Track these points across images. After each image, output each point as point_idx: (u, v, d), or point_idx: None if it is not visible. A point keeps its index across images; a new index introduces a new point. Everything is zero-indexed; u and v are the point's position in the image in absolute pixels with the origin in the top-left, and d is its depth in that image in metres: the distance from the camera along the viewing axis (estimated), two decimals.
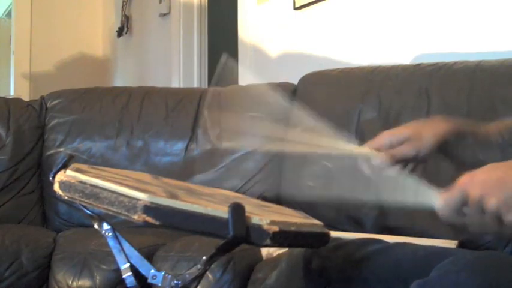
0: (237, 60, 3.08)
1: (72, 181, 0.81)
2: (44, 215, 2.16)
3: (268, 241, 0.72)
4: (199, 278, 0.86)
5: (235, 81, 3.02)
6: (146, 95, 2.24)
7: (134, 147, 2.14)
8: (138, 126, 2.16)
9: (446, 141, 0.92)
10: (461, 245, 1.42)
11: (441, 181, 0.78)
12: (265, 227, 0.72)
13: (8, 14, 5.92)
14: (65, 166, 0.85)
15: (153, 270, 0.86)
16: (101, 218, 0.90)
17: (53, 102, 2.25)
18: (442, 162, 0.94)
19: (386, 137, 0.91)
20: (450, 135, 0.93)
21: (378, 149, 0.90)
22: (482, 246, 1.46)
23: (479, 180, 0.73)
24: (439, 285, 0.66)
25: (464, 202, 0.73)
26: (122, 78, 4.74)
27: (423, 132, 0.92)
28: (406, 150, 0.90)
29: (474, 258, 0.69)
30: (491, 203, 0.71)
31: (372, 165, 0.89)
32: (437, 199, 0.76)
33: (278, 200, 1.91)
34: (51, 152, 2.17)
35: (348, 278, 0.91)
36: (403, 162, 0.91)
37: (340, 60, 2.33)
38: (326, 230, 0.80)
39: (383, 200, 0.84)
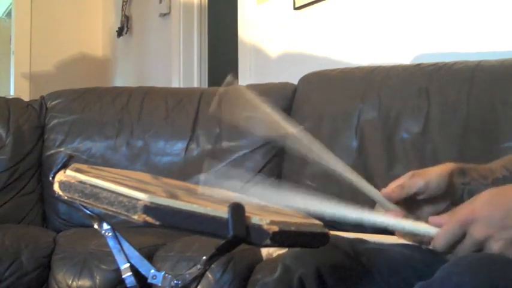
0: (237, 61, 3.09)
1: (72, 181, 0.81)
2: (44, 215, 2.16)
3: (268, 241, 0.72)
4: (199, 278, 0.86)
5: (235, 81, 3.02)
6: (146, 95, 2.24)
7: (134, 147, 2.14)
8: (138, 126, 2.16)
9: (452, 175, 0.90)
10: None
11: None
12: (265, 227, 0.72)
13: (8, 14, 5.92)
14: (64, 166, 0.85)
15: (153, 270, 0.85)
16: (101, 218, 0.90)
17: (53, 102, 2.26)
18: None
19: (399, 187, 0.89)
20: (456, 171, 0.92)
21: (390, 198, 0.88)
22: None
23: (483, 218, 0.71)
24: (442, 287, 0.66)
25: (462, 238, 0.72)
26: (122, 78, 4.74)
27: (429, 169, 0.90)
28: (416, 182, 0.88)
29: (477, 259, 0.69)
30: (495, 246, 0.70)
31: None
32: (433, 231, 0.75)
33: None
34: (51, 152, 2.17)
35: (351, 269, 0.91)
36: (414, 197, 0.90)
37: (340, 60, 2.33)
38: (326, 230, 0.80)
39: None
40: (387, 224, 0.80)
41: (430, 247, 0.78)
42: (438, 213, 0.89)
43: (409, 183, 0.88)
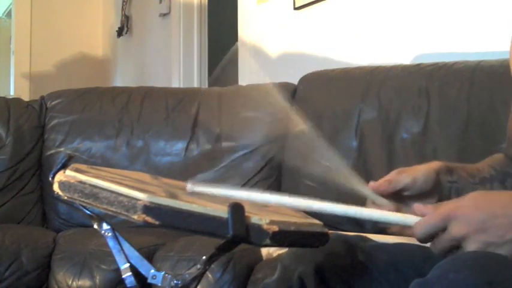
0: (237, 60, 3.09)
1: (72, 181, 0.81)
2: (44, 215, 2.16)
3: (267, 241, 0.72)
4: (199, 278, 0.86)
5: (235, 81, 3.02)
6: (146, 95, 2.24)
7: (134, 147, 2.14)
8: (138, 126, 2.16)
9: (439, 173, 0.92)
10: None
11: None
12: (265, 226, 0.72)
13: (8, 14, 5.92)
14: (64, 166, 0.85)
15: (153, 270, 0.86)
16: (101, 218, 0.90)
17: (53, 102, 2.25)
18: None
19: (386, 181, 0.90)
20: (443, 169, 0.93)
21: (380, 192, 0.89)
22: None
23: (464, 217, 0.72)
24: (439, 285, 0.66)
25: (441, 231, 0.74)
26: (122, 78, 4.74)
27: (416, 167, 0.92)
28: (403, 177, 0.90)
29: (474, 257, 0.69)
30: (471, 247, 0.72)
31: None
32: (415, 218, 0.76)
33: None
34: (51, 152, 2.17)
35: (350, 267, 0.92)
36: (401, 194, 0.91)
37: (340, 60, 2.33)
38: (326, 230, 0.80)
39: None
40: (373, 217, 0.81)
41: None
42: None
43: (397, 178, 0.90)
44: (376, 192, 0.88)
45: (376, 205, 0.88)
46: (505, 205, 0.73)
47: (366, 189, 0.88)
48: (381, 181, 0.89)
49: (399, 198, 0.91)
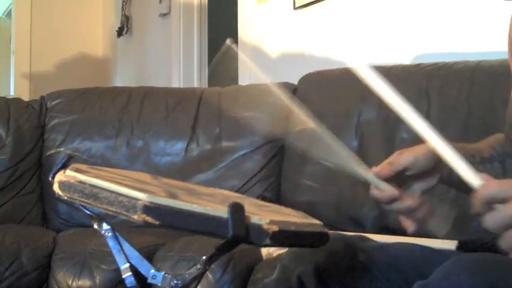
0: (237, 59, 3.09)
1: (72, 181, 0.81)
2: (44, 215, 2.16)
3: (267, 241, 0.72)
4: (199, 278, 0.86)
5: (235, 81, 3.02)
6: (146, 95, 2.24)
7: (134, 147, 2.14)
8: (138, 126, 2.16)
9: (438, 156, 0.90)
10: (461, 245, 1.42)
11: None
12: (265, 226, 0.72)
13: (8, 14, 5.92)
14: (64, 166, 0.85)
15: (152, 270, 0.86)
16: (101, 218, 0.90)
17: (53, 102, 2.25)
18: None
19: (388, 164, 0.89)
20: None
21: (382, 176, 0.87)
22: (482, 246, 1.46)
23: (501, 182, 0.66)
24: (441, 287, 0.66)
25: (497, 200, 0.66)
26: (122, 78, 4.74)
27: (417, 146, 0.90)
28: (404, 157, 0.89)
29: (476, 260, 0.69)
30: None
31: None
32: (478, 182, 0.69)
33: (278, 200, 1.91)
34: (51, 152, 2.17)
35: (350, 266, 0.92)
36: (403, 174, 0.90)
37: (340, 60, 2.33)
38: (326, 230, 0.80)
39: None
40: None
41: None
42: (430, 189, 0.91)
43: (398, 159, 0.89)
44: (379, 177, 0.87)
45: (378, 190, 0.87)
46: None
47: (368, 174, 0.87)
48: (383, 164, 0.89)
49: (401, 180, 0.90)
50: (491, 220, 0.65)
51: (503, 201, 0.65)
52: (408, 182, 0.91)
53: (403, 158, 0.89)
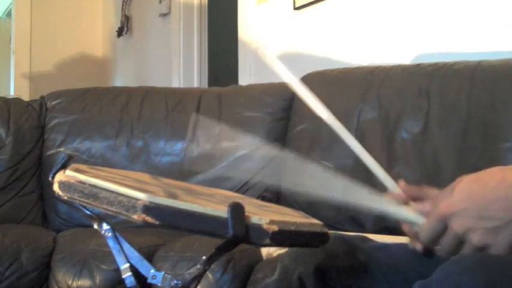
0: (237, 60, 3.09)
1: (72, 181, 0.81)
2: (44, 215, 2.16)
3: (267, 241, 0.72)
4: (199, 278, 0.86)
5: (235, 81, 3.02)
6: (146, 95, 2.24)
7: (134, 147, 2.14)
8: (138, 126, 2.16)
9: None
10: None
11: None
12: (265, 226, 0.72)
13: (8, 14, 5.92)
14: (64, 166, 0.85)
15: (152, 270, 0.86)
16: (101, 218, 0.91)
17: (53, 102, 2.25)
18: None
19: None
20: None
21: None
22: None
23: (461, 212, 0.71)
24: (442, 287, 0.66)
25: (443, 232, 0.72)
26: (122, 78, 4.74)
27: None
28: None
29: (477, 260, 0.69)
30: (475, 237, 0.70)
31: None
32: (421, 220, 0.75)
33: (278, 200, 1.91)
34: (51, 152, 2.17)
35: (350, 266, 0.92)
36: None
37: (340, 60, 2.33)
38: (326, 230, 0.80)
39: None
40: (380, 209, 0.80)
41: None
42: None
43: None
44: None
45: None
46: (495, 186, 0.70)
47: (390, 182, 0.86)
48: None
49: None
50: (443, 251, 0.74)
51: (444, 229, 0.73)
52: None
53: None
